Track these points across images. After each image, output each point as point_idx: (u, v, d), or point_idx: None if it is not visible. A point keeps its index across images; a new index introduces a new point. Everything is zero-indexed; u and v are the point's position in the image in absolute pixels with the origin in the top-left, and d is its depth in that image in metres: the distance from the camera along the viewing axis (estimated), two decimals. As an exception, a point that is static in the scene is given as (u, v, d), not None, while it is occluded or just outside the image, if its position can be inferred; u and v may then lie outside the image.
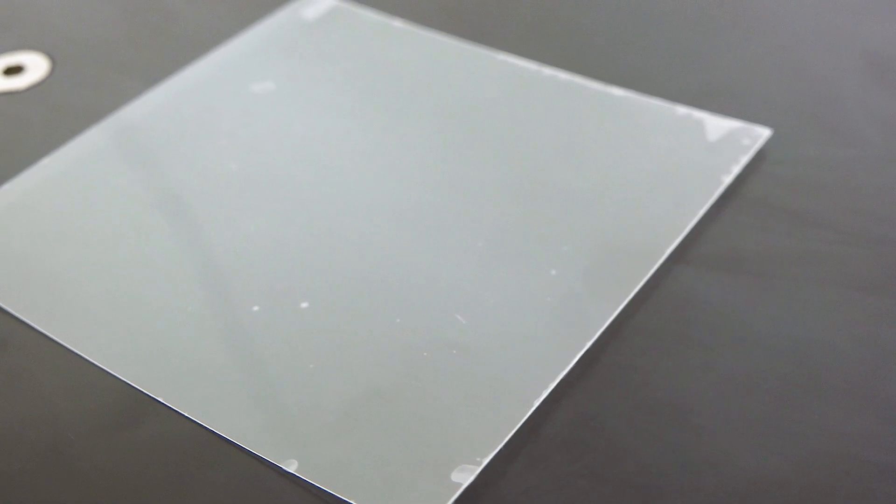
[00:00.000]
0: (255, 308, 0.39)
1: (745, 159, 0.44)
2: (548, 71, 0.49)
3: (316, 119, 0.48)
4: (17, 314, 0.39)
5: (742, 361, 0.37)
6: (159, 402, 0.36)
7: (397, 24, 0.53)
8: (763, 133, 0.45)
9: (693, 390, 0.36)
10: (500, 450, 0.34)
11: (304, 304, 0.39)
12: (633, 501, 0.33)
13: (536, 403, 0.35)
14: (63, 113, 0.50)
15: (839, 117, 0.47)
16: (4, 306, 0.40)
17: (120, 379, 0.37)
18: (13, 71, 0.52)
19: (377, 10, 0.54)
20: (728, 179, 0.43)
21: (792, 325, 0.38)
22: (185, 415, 0.36)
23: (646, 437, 0.35)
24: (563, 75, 0.49)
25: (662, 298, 0.39)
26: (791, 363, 0.37)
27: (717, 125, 0.46)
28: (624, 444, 0.35)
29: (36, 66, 0.52)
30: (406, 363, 0.37)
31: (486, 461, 0.34)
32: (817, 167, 0.44)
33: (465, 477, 0.33)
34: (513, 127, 0.47)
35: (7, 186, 0.45)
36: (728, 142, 0.45)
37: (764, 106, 0.47)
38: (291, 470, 0.34)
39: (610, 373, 0.37)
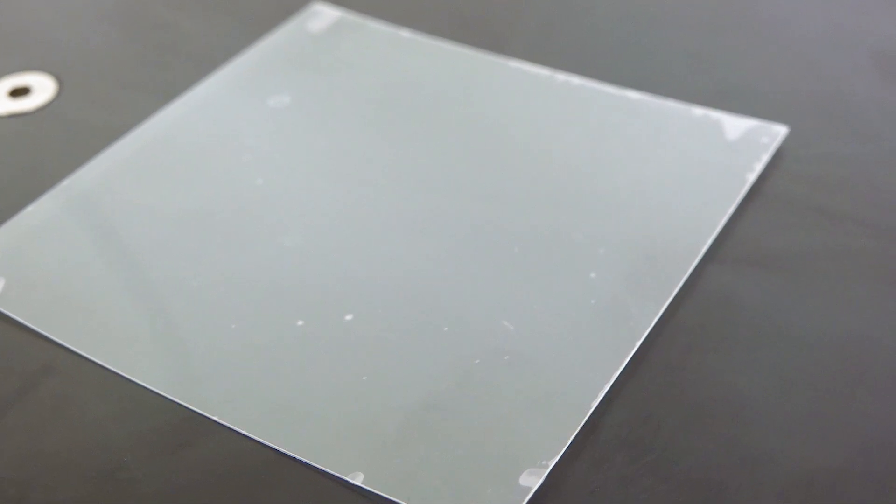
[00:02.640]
0: (300, 322, 0.39)
1: (766, 157, 0.45)
2: (561, 76, 0.50)
3: (336, 131, 0.48)
4: (57, 339, 0.39)
5: (786, 356, 0.38)
6: (213, 421, 0.36)
7: (405, 34, 0.53)
8: (780, 131, 0.46)
9: (742, 386, 0.37)
10: (563, 452, 0.35)
11: (349, 317, 0.39)
12: (698, 498, 0.34)
13: (594, 405, 0.36)
14: (76, 133, 0.49)
15: (851, 114, 0.48)
16: (43, 332, 0.39)
17: (169, 399, 0.37)
18: (20, 92, 0.51)
19: (383, 20, 0.55)
20: (752, 177, 0.44)
21: (829, 320, 0.39)
22: (244, 433, 0.36)
23: (702, 433, 0.36)
24: (576, 80, 0.50)
25: (701, 297, 0.40)
26: (833, 356, 0.38)
27: (734, 125, 0.47)
28: (682, 441, 0.35)
29: (42, 87, 0.51)
30: (459, 371, 0.37)
31: (552, 464, 0.34)
32: (835, 163, 0.46)
33: (533, 481, 0.34)
34: (532, 133, 0.47)
35: (30, 209, 0.44)
36: (747, 141, 0.46)
37: (776, 105, 0.48)
38: (357, 482, 0.34)
39: (659, 372, 0.38)
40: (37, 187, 0.45)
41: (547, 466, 0.34)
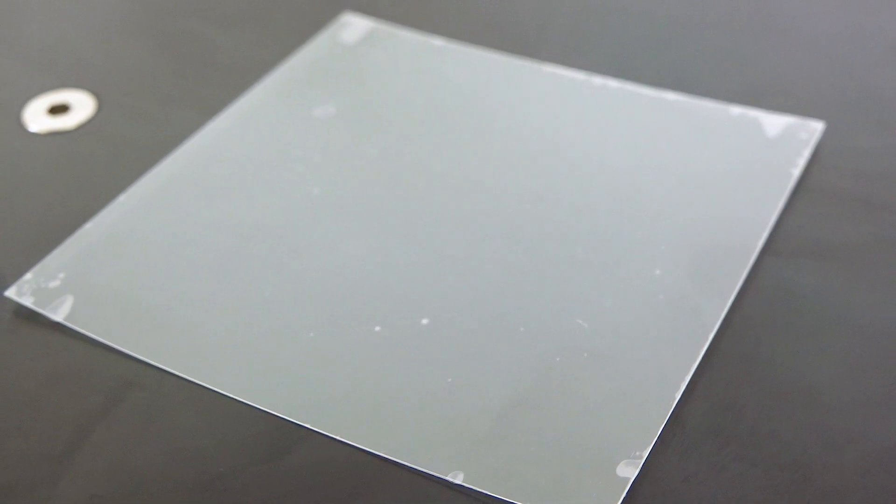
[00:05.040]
0: (378, 328, 0.40)
1: (807, 152, 0.46)
2: (597, 80, 0.51)
3: (385, 139, 0.49)
4: (138, 355, 0.39)
5: (850, 343, 0.39)
6: (306, 429, 0.37)
7: (438, 42, 0.54)
8: (818, 127, 0.48)
9: (814, 373, 0.38)
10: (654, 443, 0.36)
11: (425, 321, 0.40)
12: (786, 480, 0.35)
13: (678, 395, 0.37)
14: (122, 149, 0.49)
15: (878, 107, 0.50)
16: (121, 348, 0.39)
17: (256, 409, 0.38)
18: (59, 110, 0.51)
19: (414, 29, 0.55)
20: (797, 172, 0.45)
21: (887, 306, 0.41)
22: (341, 439, 0.36)
23: (783, 418, 0.37)
24: (613, 83, 0.51)
25: (762, 289, 0.41)
26: (894, 341, 0.40)
27: (772, 122, 0.48)
28: (764, 427, 0.37)
29: (81, 105, 0.51)
30: (541, 369, 0.38)
31: (645, 454, 0.35)
32: (870, 156, 0.47)
33: (630, 471, 0.35)
34: (577, 136, 0.48)
35: (89, 226, 0.44)
36: (786, 137, 0.47)
37: (805, 100, 0.50)
38: (458, 481, 0.35)
39: (734, 362, 0.39)
40: (87, 205, 0.46)
41: (641, 457, 0.35)
